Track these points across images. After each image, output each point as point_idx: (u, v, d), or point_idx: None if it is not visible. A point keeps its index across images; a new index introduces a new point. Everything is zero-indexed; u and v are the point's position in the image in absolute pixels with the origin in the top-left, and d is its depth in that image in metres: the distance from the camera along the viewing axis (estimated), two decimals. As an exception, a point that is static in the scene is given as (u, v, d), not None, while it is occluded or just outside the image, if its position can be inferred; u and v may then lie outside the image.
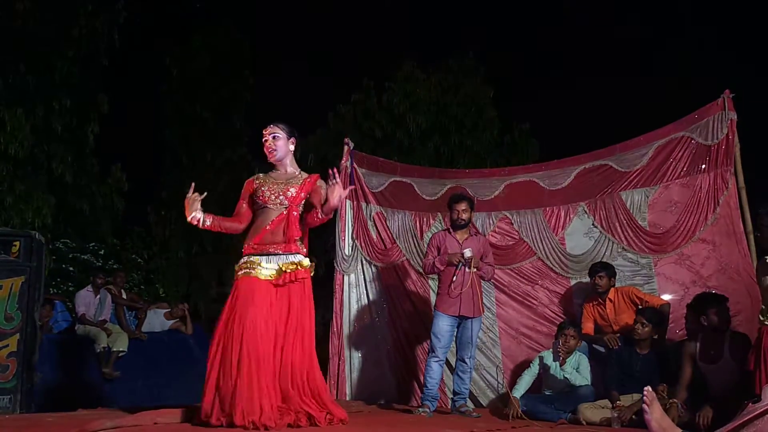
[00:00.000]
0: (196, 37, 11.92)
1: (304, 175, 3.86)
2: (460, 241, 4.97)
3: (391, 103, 11.20)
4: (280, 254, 3.61)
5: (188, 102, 11.64)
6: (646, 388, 2.45)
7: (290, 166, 3.86)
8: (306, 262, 3.68)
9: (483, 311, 5.06)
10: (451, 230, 5.06)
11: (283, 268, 3.57)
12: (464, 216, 4.98)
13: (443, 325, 4.86)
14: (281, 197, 3.69)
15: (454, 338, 4.99)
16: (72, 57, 8.92)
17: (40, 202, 8.37)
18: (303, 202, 3.73)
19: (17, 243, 4.60)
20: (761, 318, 3.69)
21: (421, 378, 5.32)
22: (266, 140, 3.79)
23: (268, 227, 3.64)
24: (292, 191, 3.71)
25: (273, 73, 12.60)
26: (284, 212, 3.67)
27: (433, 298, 5.52)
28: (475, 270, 4.85)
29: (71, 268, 9.30)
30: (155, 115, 11.86)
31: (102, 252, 9.79)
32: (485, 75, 11.61)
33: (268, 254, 3.60)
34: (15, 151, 8.15)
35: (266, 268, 3.57)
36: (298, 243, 3.68)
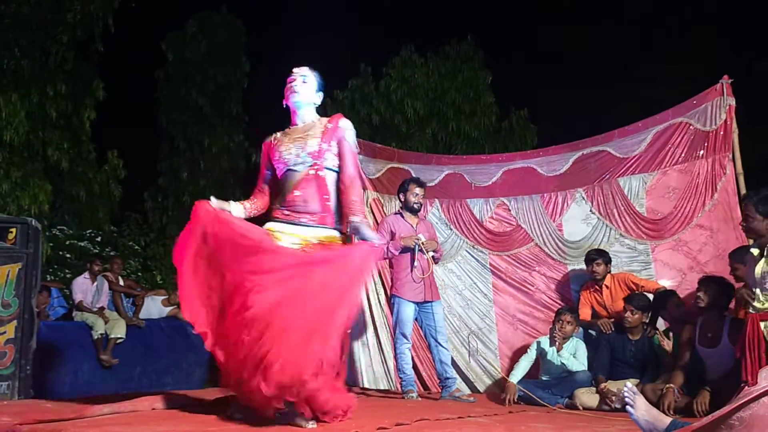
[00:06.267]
0: (192, 22, 11.83)
1: (324, 120, 3.29)
2: (414, 225, 4.98)
3: (389, 89, 11.16)
4: (311, 226, 3.11)
5: (184, 88, 11.56)
6: (626, 385, 2.44)
7: (309, 117, 3.29)
8: (336, 235, 3.15)
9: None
10: (403, 214, 5.04)
11: (309, 241, 3.04)
12: (421, 200, 5.04)
13: (409, 311, 4.87)
14: (302, 154, 3.17)
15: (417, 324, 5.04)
16: (67, 42, 8.85)
17: (36, 188, 8.33)
18: (329, 155, 3.17)
19: (13, 230, 4.58)
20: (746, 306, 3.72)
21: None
22: (293, 80, 3.27)
23: (296, 192, 3.13)
24: (312, 144, 3.17)
25: (270, 59, 12.53)
26: (309, 172, 3.14)
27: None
28: (432, 254, 4.87)
29: (68, 255, 9.28)
30: (151, 101, 11.80)
31: (99, 239, 9.76)
32: (483, 61, 11.57)
33: (296, 224, 3.11)
34: (10, 137, 8.11)
35: (290, 236, 3.05)
36: (333, 214, 3.15)
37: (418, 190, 5.00)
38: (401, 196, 5.07)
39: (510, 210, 5.90)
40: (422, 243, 4.82)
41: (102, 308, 6.72)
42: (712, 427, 1.98)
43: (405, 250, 4.87)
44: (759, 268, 3.65)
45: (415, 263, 4.83)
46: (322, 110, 3.46)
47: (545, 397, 4.65)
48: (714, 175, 5.11)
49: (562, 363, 4.83)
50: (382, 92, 11.21)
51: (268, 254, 2.85)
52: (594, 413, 4.25)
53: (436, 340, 4.90)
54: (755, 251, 3.72)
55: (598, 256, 5.13)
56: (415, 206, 5.00)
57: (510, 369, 5.14)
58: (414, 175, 5.68)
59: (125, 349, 6.65)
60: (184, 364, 7.08)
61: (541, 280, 5.69)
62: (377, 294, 5.79)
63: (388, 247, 4.84)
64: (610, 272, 5.13)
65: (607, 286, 5.10)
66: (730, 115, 5.06)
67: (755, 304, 3.62)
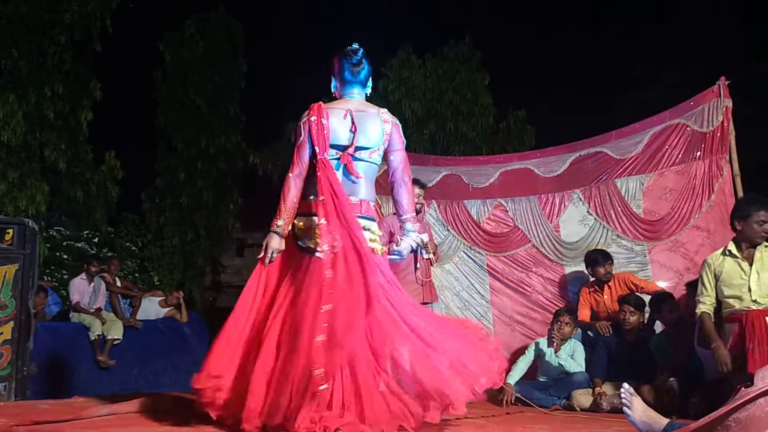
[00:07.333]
0: (190, 22, 11.82)
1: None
2: None
3: (387, 90, 11.16)
4: None
5: (182, 88, 11.55)
6: (623, 387, 2.44)
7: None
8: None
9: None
10: None
11: None
12: (421, 200, 5.02)
13: None
14: None
15: None
16: (64, 43, 8.84)
17: (33, 189, 8.33)
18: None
19: (10, 230, 4.58)
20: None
21: None
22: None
23: None
24: None
25: (267, 60, 12.53)
26: None
27: None
28: (431, 255, 4.82)
29: (65, 256, 9.27)
30: (149, 101, 11.78)
31: (96, 240, 9.75)
32: (481, 62, 11.57)
33: None
34: (8, 138, 8.11)
35: None
36: None
37: (417, 190, 4.98)
38: None
39: (507, 211, 5.91)
40: (426, 244, 4.80)
41: (99, 309, 6.72)
42: (709, 429, 1.98)
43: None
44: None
45: (419, 264, 4.81)
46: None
47: (543, 398, 4.66)
48: (711, 177, 5.12)
49: (560, 364, 4.83)
50: (379, 93, 11.19)
51: None
52: (591, 414, 4.25)
53: None
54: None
55: (606, 257, 5.10)
56: (416, 206, 4.99)
57: (508, 370, 5.14)
58: (413, 176, 5.66)
59: (122, 350, 6.65)
60: (181, 365, 7.07)
61: (538, 281, 5.70)
62: None
63: (389, 248, 4.79)
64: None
65: (609, 287, 5.10)
66: (726, 116, 5.06)
67: (759, 300, 3.67)
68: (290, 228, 2.92)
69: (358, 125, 2.93)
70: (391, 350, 2.69)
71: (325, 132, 2.89)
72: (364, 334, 2.71)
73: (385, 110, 3.07)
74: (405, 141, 3.10)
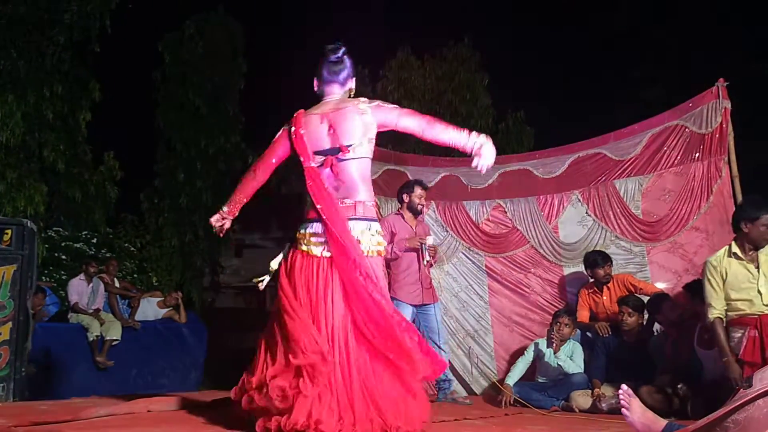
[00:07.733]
0: (189, 23, 11.81)
1: None
2: (413, 227, 4.96)
3: (386, 91, 11.15)
4: None
5: (181, 89, 11.54)
6: (621, 388, 2.44)
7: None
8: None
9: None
10: (403, 215, 5.02)
11: None
12: (424, 201, 5.03)
13: (406, 314, 4.66)
14: None
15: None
16: (64, 43, 8.82)
17: (32, 190, 8.30)
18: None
19: (9, 231, 4.58)
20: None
21: None
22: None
23: None
24: None
25: (267, 60, 12.52)
26: None
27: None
28: (431, 259, 4.81)
29: (64, 257, 9.25)
30: (148, 102, 11.76)
31: (95, 240, 9.73)
32: (480, 63, 11.57)
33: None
34: (6, 138, 8.08)
35: None
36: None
37: (421, 191, 5.00)
38: (405, 197, 5.03)
39: (506, 212, 5.91)
40: (429, 245, 4.80)
41: (97, 310, 6.71)
42: (708, 430, 1.98)
43: (409, 251, 4.83)
44: None
45: (425, 262, 4.81)
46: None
47: (541, 399, 4.66)
48: (710, 178, 5.12)
49: (559, 365, 4.84)
50: (378, 94, 11.20)
51: None
52: (590, 416, 4.26)
53: (435, 343, 4.87)
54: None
55: (606, 259, 5.09)
56: (419, 207, 5.00)
57: (506, 371, 5.15)
58: (413, 177, 5.67)
59: (121, 350, 6.65)
60: (179, 366, 7.07)
61: (536, 282, 5.70)
62: None
63: (392, 249, 4.79)
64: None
65: (608, 288, 5.10)
66: (725, 118, 5.07)
67: None
68: (298, 237, 2.92)
69: (336, 126, 2.89)
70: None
71: (305, 142, 2.90)
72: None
73: (362, 99, 2.99)
74: (396, 104, 3.05)
